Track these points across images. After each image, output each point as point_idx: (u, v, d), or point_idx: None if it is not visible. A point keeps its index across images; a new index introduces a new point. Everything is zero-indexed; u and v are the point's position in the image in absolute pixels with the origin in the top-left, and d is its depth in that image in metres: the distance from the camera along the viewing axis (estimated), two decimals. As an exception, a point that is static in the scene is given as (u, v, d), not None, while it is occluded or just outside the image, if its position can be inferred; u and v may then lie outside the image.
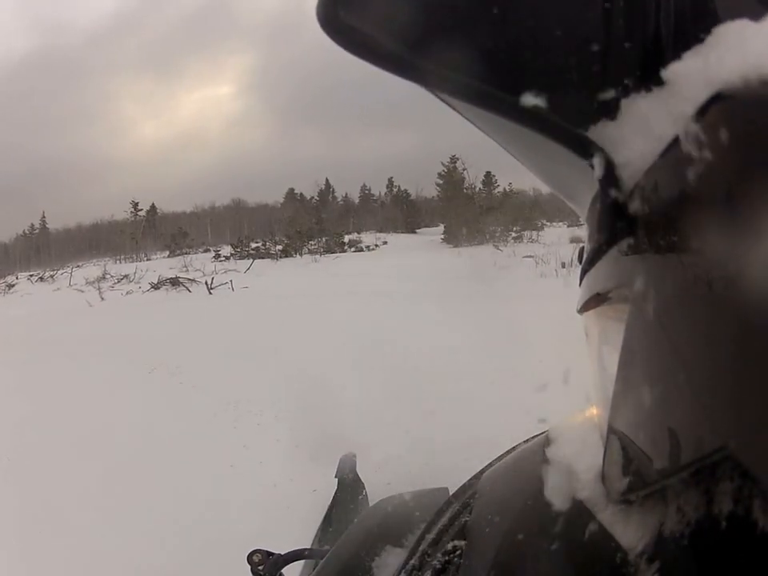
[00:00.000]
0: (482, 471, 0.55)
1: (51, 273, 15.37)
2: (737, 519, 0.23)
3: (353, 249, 20.63)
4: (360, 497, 1.66)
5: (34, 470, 3.09)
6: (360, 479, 1.81)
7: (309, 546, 1.29)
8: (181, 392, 4.34)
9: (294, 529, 1.89)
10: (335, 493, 1.72)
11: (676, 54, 0.27)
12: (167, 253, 22.57)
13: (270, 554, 0.98)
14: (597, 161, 0.28)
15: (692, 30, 0.27)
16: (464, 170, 25.74)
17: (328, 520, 1.54)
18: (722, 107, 0.21)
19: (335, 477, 1.86)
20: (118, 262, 20.48)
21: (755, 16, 0.26)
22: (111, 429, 3.61)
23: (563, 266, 10.40)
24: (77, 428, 3.63)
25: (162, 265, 15.07)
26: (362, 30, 0.27)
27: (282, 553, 0.99)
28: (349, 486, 1.75)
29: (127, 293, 11.40)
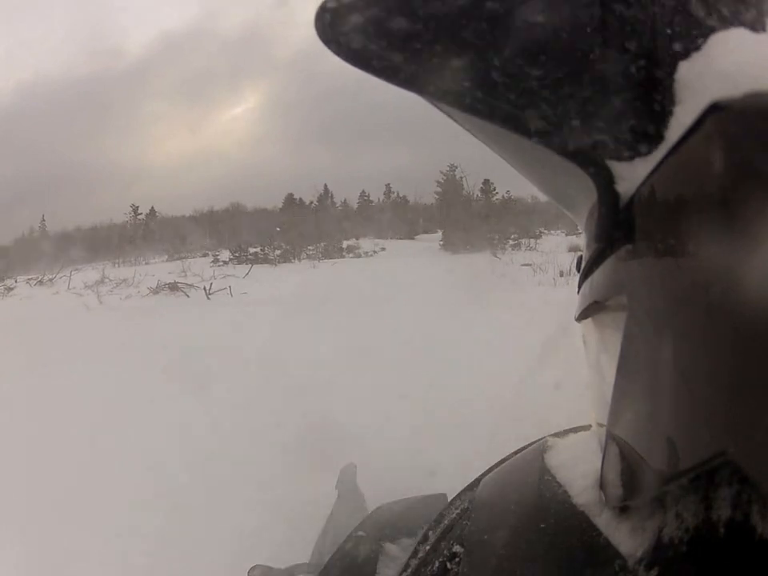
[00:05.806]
0: (480, 478, 0.55)
1: (50, 276, 15.27)
2: (736, 525, 0.23)
3: (351, 255, 20.62)
4: (360, 508, 1.65)
5: (33, 473, 3.08)
6: (360, 490, 1.81)
7: (308, 557, 1.29)
8: (180, 397, 4.32)
9: (293, 540, 1.88)
10: (335, 504, 1.72)
11: (672, 65, 0.27)
12: (166, 257, 22.52)
13: (270, 569, 0.99)
14: (595, 170, 0.28)
15: (688, 40, 0.28)
16: (462, 177, 25.78)
17: (327, 531, 1.53)
18: (719, 117, 0.21)
19: (335, 488, 1.86)
20: (116, 265, 20.34)
21: (751, 26, 0.26)
22: (110, 432, 3.60)
23: (561, 274, 10.41)
24: (76, 430, 3.61)
25: (160, 269, 15.02)
26: (360, 41, 0.27)
27: (283, 567, 0.99)
28: (349, 497, 1.75)
29: (126, 297, 11.35)
